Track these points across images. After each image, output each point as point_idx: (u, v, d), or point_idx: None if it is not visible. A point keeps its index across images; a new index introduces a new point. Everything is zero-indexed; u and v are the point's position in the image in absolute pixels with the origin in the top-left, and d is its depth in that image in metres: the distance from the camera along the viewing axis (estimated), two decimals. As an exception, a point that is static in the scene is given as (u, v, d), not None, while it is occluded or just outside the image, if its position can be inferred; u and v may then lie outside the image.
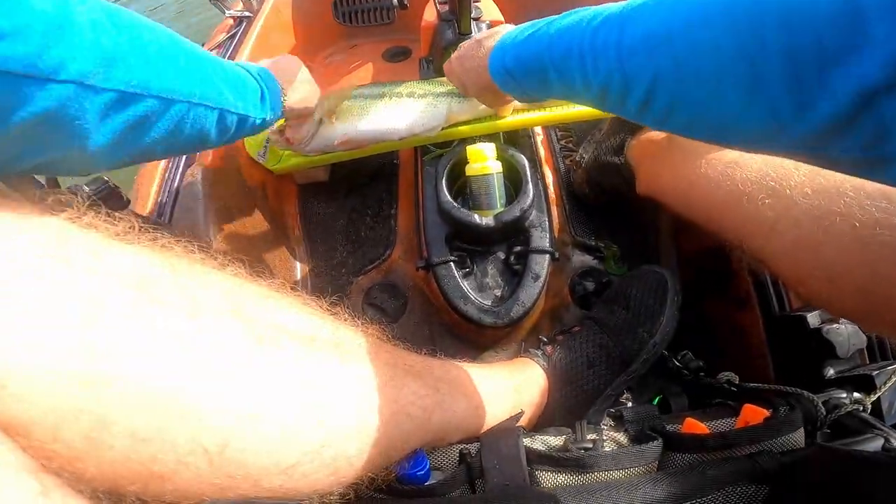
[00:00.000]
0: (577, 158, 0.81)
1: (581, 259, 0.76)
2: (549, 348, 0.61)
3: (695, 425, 0.42)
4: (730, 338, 0.67)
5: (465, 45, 0.61)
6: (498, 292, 0.66)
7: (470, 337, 0.70)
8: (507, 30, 0.53)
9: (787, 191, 0.45)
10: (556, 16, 0.42)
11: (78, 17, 0.31)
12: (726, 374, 0.57)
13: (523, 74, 0.46)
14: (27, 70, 0.28)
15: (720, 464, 0.39)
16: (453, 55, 0.63)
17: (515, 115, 0.71)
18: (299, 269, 0.81)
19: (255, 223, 0.77)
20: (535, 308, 0.66)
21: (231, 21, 1.06)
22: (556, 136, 0.92)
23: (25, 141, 0.30)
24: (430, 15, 0.87)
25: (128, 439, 0.27)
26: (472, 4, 0.81)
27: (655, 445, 0.39)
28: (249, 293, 0.37)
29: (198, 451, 0.28)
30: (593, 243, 0.76)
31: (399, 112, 0.69)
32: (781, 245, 0.48)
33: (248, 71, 0.52)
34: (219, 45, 0.99)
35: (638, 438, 0.42)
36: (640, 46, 0.31)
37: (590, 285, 0.75)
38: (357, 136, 0.68)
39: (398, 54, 1.26)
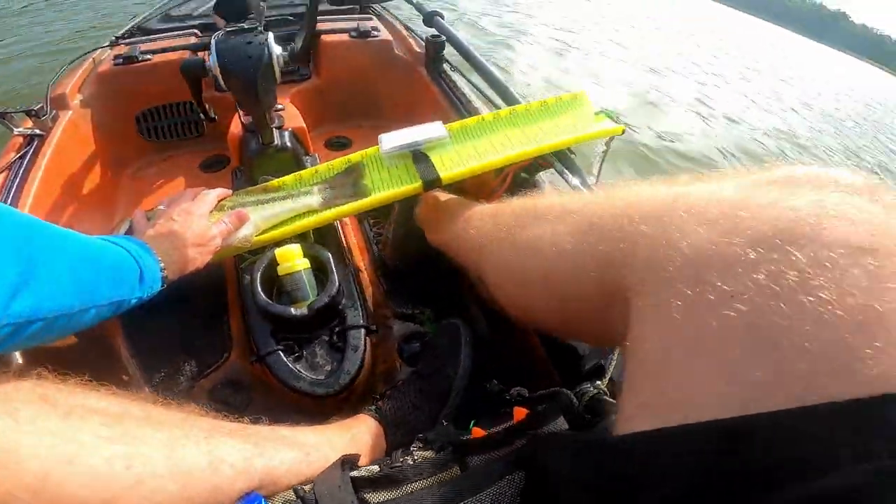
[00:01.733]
0: (383, 239, 0.95)
1: (404, 327, 0.88)
2: (380, 402, 0.71)
3: (478, 432, 0.55)
4: (525, 360, 0.82)
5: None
6: (328, 367, 0.75)
7: (314, 410, 0.76)
8: None
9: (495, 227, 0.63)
10: None
11: None
12: (517, 388, 0.73)
13: None
14: None
15: (496, 459, 0.49)
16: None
17: (319, 214, 0.76)
18: (133, 382, 0.79)
19: (71, 346, 0.75)
20: (361, 373, 0.76)
21: (21, 139, 1.00)
22: (370, 223, 1.06)
23: None
24: (235, 127, 0.92)
25: None
26: (275, 114, 0.88)
27: (446, 452, 0.51)
28: (56, 388, 0.42)
29: (21, 485, 0.35)
30: (410, 312, 0.89)
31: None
32: (488, 281, 0.65)
33: (126, 249, 0.54)
34: (8, 167, 0.92)
35: (440, 452, 0.54)
36: None
37: (415, 347, 0.86)
38: None
39: (215, 164, 1.26)
